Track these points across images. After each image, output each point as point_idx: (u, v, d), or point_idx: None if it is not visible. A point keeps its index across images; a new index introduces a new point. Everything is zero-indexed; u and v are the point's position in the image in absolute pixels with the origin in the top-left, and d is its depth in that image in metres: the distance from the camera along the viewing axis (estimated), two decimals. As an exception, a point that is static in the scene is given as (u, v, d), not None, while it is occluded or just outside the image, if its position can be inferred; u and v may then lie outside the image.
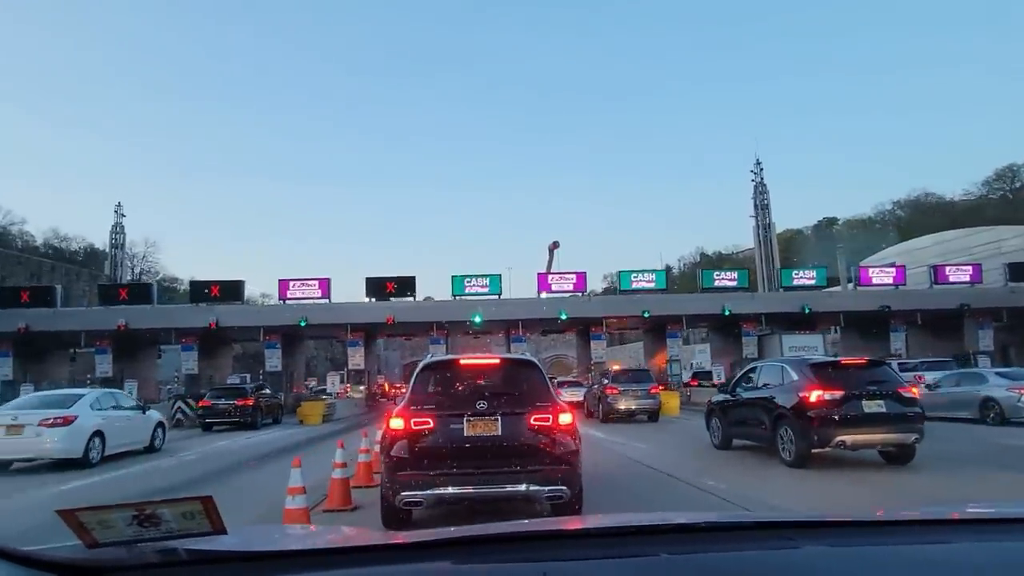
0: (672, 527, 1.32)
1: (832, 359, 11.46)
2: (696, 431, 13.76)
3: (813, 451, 9.18)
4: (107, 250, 50.11)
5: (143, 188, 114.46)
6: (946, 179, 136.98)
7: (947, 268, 31.48)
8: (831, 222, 76.75)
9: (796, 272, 32.20)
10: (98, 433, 11.72)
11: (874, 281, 31.54)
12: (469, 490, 5.32)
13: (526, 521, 1.56)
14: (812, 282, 31.52)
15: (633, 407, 19.21)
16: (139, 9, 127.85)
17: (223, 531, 1.09)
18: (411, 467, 5.33)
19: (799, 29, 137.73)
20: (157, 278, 66.14)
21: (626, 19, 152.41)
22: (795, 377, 9.79)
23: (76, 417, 11.38)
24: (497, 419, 5.43)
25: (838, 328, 34.06)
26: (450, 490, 5.29)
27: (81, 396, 12.44)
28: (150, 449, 13.65)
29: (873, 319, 30.92)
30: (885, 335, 31.29)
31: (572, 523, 1.98)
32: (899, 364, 21.35)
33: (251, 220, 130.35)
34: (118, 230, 50.02)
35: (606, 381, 20.36)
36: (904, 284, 31.34)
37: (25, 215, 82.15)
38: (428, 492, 5.26)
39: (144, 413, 14.03)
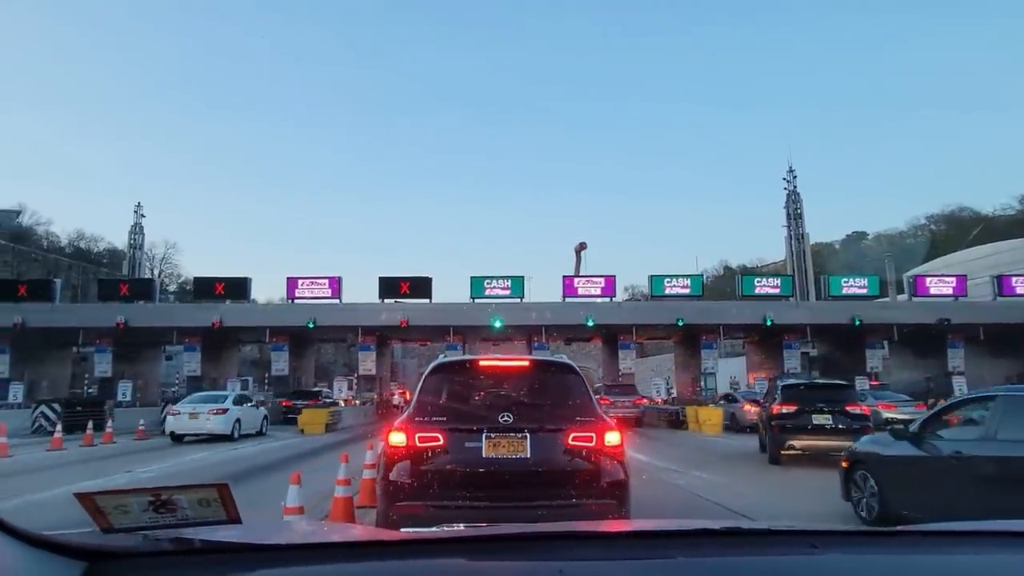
0: (689, 532, 1.28)
1: (802, 381, 15.17)
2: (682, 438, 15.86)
3: (782, 452, 11.42)
4: (127, 251, 49.40)
5: (167, 192, 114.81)
6: (981, 194, 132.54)
7: (1013, 279, 28.61)
8: (861, 236, 75.19)
9: (846, 280, 29.25)
10: (238, 420, 17.81)
11: (932, 291, 28.75)
12: (486, 528, 3.57)
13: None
14: (864, 291, 28.78)
15: (621, 416, 22.10)
16: (153, 20, 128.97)
17: (237, 520, 1.10)
18: (413, 496, 4.26)
19: (815, 42, 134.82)
20: (179, 280, 65.54)
21: (644, 25, 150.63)
22: (775, 394, 12.71)
23: (228, 409, 17.55)
24: (525, 437, 4.34)
25: (886, 343, 31.29)
26: (462, 527, 3.54)
27: (228, 395, 18.93)
28: (260, 433, 19.34)
29: (928, 333, 28.23)
30: (940, 351, 28.63)
31: (588, 527, 1.90)
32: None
33: (269, 225, 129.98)
34: (137, 231, 49.19)
35: (601, 393, 23.97)
36: (964, 295, 28.59)
37: (51, 216, 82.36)
38: (434, 529, 3.51)
39: (257, 408, 19.99)
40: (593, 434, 4.44)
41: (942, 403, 7.61)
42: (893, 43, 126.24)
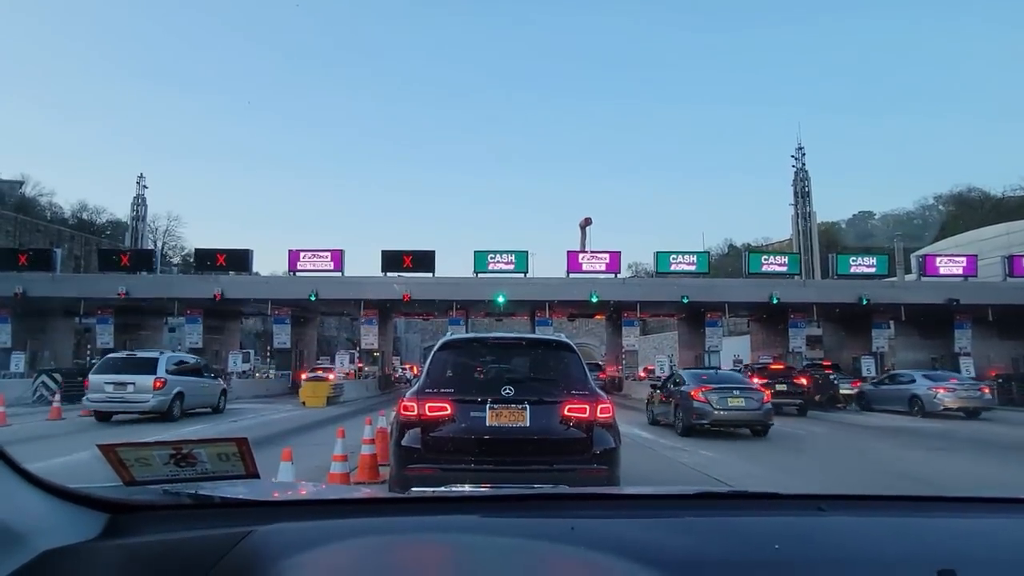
0: (697, 494, 1.33)
1: (768, 363, 23.29)
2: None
3: None
4: (129, 223, 49.12)
5: (170, 164, 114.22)
6: (989, 174, 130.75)
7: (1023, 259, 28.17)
8: (868, 215, 75.01)
9: (854, 259, 28.75)
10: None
11: (941, 271, 28.31)
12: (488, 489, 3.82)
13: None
14: (872, 270, 28.37)
15: None
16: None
17: (256, 475, 1.13)
18: (423, 460, 4.74)
19: (818, 33, 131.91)
20: (182, 252, 65.27)
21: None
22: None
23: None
24: (525, 408, 4.79)
25: (892, 323, 30.96)
26: (467, 488, 3.69)
27: (334, 367, 28.49)
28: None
29: (935, 313, 27.91)
30: (947, 331, 28.37)
31: (598, 490, 2.06)
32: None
33: (272, 198, 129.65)
34: (140, 202, 48.89)
35: None
36: (975, 275, 28.18)
37: (54, 187, 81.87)
38: (444, 489, 3.84)
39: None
40: (587, 407, 4.88)
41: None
42: (900, 30, 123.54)
